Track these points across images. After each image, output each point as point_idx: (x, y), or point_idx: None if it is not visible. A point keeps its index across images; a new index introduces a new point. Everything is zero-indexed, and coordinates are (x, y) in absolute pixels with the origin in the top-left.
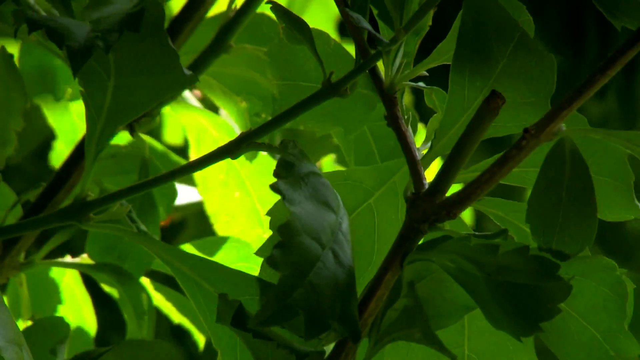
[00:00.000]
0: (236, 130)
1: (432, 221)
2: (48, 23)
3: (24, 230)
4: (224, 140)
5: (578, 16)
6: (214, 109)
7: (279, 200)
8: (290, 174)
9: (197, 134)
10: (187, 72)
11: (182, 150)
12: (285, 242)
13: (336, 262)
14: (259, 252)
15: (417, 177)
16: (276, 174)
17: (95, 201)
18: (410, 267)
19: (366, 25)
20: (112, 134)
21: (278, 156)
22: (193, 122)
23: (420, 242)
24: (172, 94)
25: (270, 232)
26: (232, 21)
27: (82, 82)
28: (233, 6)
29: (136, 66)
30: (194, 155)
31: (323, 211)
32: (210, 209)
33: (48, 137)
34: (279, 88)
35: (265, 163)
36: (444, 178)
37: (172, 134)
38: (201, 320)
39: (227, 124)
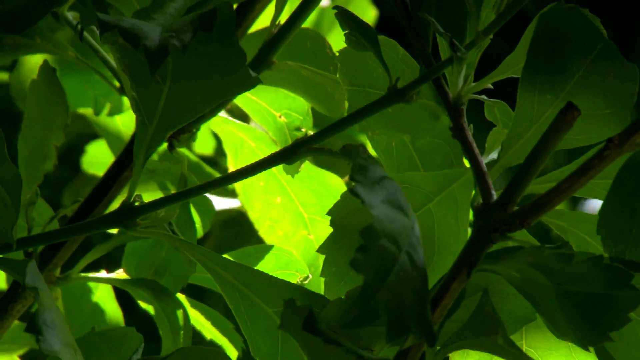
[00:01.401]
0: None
1: (504, 231)
2: (120, 24)
3: (70, 235)
4: (261, 150)
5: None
6: (245, 120)
7: (339, 200)
8: (365, 178)
9: (235, 146)
10: (253, 73)
11: (212, 160)
12: (368, 245)
13: (412, 265)
14: (320, 250)
15: (485, 187)
16: (353, 178)
17: (142, 207)
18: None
19: (442, 30)
20: (163, 139)
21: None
22: (230, 134)
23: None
24: (225, 100)
25: (315, 233)
26: (275, 37)
27: (135, 86)
28: (277, 22)
29: (195, 69)
30: (232, 166)
31: (398, 214)
32: (252, 216)
33: (73, 141)
34: (348, 93)
35: (304, 168)
36: (515, 188)
37: (201, 145)
38: (241, 330)
39: (265, 135)
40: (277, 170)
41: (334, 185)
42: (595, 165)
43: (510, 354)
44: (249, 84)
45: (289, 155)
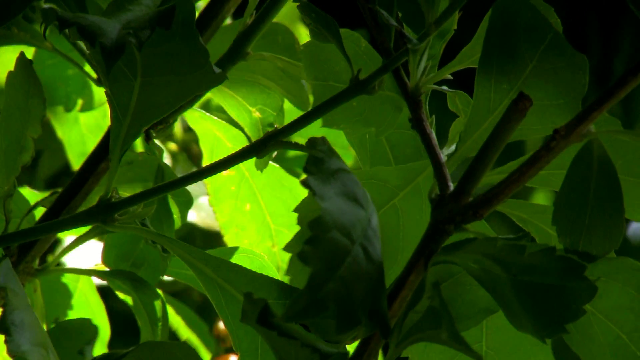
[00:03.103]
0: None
1: (458, 222)
2: (79, 21)
3: (47, 232)
4: (237, 148)
5: (580, 21)
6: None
7: (307, 197)
8: (319, 170)
9: (211, 145)
10: (217, 70)
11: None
12: (316, 237)
13: (366, 258)
14: (286, 248)
15: (442, 178)
16: (306, 170)
17: (120, 202)
18: (432, 269)
19: (395, 23)
20: (137, 134)
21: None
22: (208, 133)
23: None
24: (197, 95)
25: (279, 246)
26: (250, 28)
27: (108, 82)
28: (251, 13)
29: (164, 65)
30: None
31: (353, 207)
32: (220, 220)
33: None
34: (312, 88)
35: (277, 176)
36: (470, 180)
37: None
38: (224, 324)
39: (242, 135)
40: (250, 175)
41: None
42: (543, 156)
43: (456, 348)
44: (214, 80)
45: (259, 148)
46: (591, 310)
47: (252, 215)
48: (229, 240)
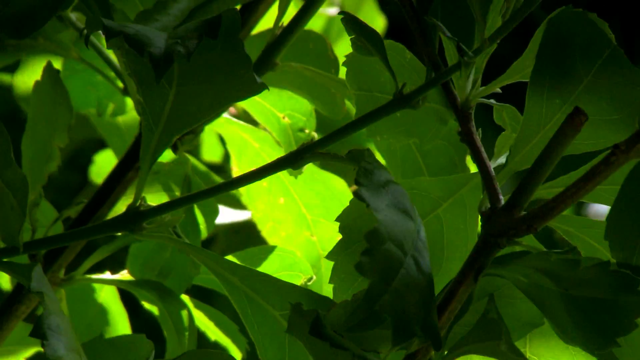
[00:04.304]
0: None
1: (511, 236)
2: (126, 30)
3: (75, 238)
4: (265, 151)
5: (632, 35)
6: (253, 124)
7: (349, 206)
8: (370, 182)
9: (239, 147)
10: (259, 79)
11: (220, 167)
12: (373, 249)
13: (417, 269)
14: (329, 256)
15: (492, 192)
16: (357, 182)
17: (149, 211)
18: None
19: (451, 36)
20: (169, 143)
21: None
22: (234, 135)
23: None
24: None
25: (318, 235)
26: (279, 39)
27: (141, 90)
28: (280, 23)
29: (200, 74)
30: (235, 167)
31: (403, 219)
32: (255, 216)
33: (80, 146)
34: (356, 97)
35: (309, 170)
36: (523, 193)
37: (209, 152)
38: (248, 332)
39: (268, 136)
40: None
41: (338, 188)
42: (602, 171)
43: None
44: (254, 90)
45: (295, 159)
46: None
47: (287, 209)
48: (267, 234)
